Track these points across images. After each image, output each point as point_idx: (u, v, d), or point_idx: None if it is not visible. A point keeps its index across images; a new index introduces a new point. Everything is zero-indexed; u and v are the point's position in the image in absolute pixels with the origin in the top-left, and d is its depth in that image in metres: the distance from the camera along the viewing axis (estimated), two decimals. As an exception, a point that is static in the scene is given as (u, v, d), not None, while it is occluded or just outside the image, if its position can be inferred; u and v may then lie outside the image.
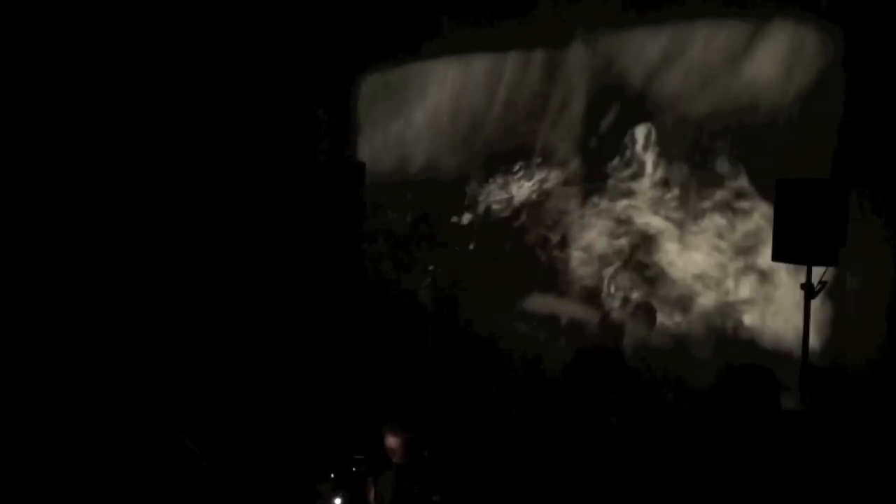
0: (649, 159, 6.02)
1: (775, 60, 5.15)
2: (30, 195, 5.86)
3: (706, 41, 5.50)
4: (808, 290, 4.91)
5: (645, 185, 6.07)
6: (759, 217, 5.53)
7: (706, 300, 5.78)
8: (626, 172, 6.13)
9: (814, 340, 4.92)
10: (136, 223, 6.26)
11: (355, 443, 5.29)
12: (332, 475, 4.95)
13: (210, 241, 6.58)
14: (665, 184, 5.99)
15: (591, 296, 6.23)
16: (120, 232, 6.19)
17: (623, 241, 6.16)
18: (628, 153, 6.08)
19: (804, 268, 4.84)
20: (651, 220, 6.06)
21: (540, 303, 6.44)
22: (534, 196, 6.52)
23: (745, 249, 5.65)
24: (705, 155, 5.76)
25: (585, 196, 6.31)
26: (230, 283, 6.59)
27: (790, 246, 4.77)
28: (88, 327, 5.90)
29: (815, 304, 4.88)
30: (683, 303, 5.86)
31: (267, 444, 5.38)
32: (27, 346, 5.60)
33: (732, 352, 5.54)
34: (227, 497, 4.92)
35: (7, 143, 5.75)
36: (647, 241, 6.04)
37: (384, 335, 6.64)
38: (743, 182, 5.62)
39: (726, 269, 5.72)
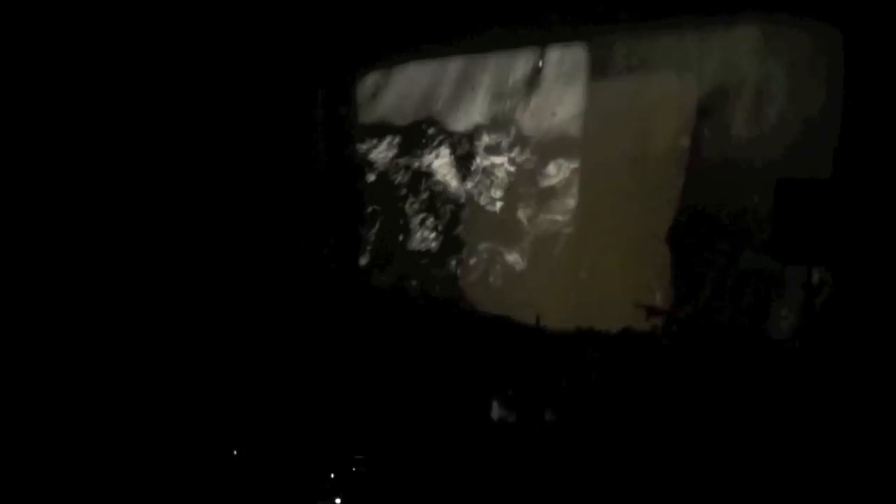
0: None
1: (774, 61, 5.14)
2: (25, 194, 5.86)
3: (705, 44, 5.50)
4: (809, 290, 4.91)
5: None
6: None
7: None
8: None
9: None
10: (131, 222, 6.26)
11: (355, 443, 5.33)
12: (332, 475, 4.98)
13: (205, 241, 6.59)
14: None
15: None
16: (112, 231, 6.19)
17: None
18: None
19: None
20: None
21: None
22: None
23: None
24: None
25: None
26: (226, 282, 6.60)
27: (790, 246, 4.76)
28: (79, 326, 5.90)
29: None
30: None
31: (267, 443, 5.40)
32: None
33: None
34: (226, 496, 4.94)
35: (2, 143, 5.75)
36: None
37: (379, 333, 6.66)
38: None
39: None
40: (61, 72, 5.99)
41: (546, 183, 6.44)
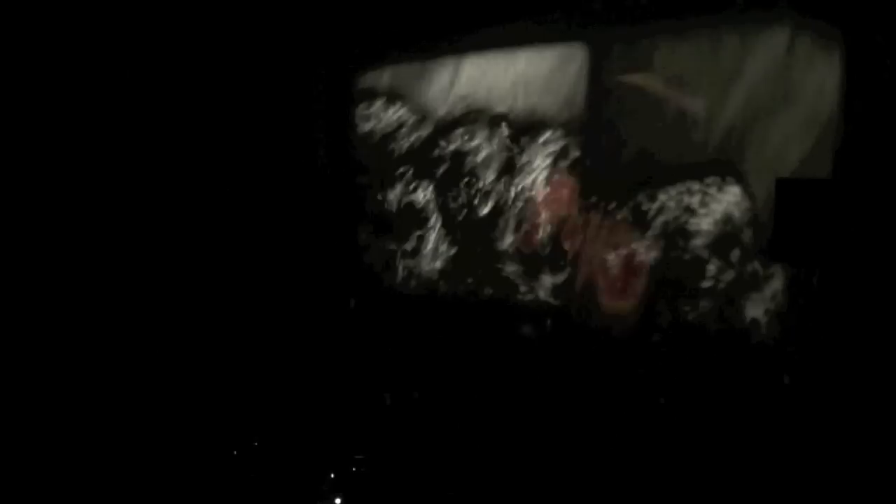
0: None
1: (774, 63, 5.13)
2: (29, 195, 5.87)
3: (706, 45, 5.48)
4: (808, 291, 4.91)
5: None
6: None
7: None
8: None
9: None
10: (133, 222, 6.26)
11: (355, 443, 5.33)
12: (332, 475, 4.99)
13: (206, 241, 6.59)
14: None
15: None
16: (114, 231, 6.20)
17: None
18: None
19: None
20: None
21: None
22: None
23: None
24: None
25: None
26: (227, 283, 6.61)
27: (790, 246, 4.76)
28: (85, 326, 5.91)
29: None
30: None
31: (267, 443, 5.40)
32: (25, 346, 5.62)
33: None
34: (227, 496, 4.95)
35: (6, 143, 5.76)
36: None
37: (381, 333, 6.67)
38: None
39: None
40: (66, 72, 6.01)
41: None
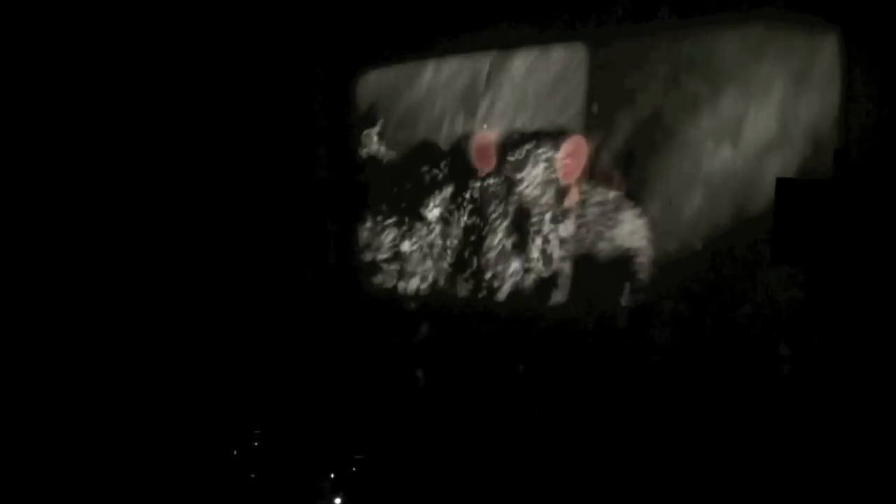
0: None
1: (773, 62, 5.13)
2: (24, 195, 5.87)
3: (705, 44, 5.48)
4: (808, 290, 4.91)
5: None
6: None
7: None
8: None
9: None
10: (131, 223, 6.27)
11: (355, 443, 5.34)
12: (332, 475, 5.00)
13: (205, 243, 6.60)
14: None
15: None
16: (114, 232, 6.21)
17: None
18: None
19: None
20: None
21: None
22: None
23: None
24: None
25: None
26: (227, 282, 6.62)
27: (790, 246, 4.76)
28: (81, 326, 5.92)
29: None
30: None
31: (268, 443, 5.41)
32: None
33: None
34: (228, 496, 4.95)
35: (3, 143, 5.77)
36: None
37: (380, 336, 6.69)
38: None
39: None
40: (64, 72, 6.02)
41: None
